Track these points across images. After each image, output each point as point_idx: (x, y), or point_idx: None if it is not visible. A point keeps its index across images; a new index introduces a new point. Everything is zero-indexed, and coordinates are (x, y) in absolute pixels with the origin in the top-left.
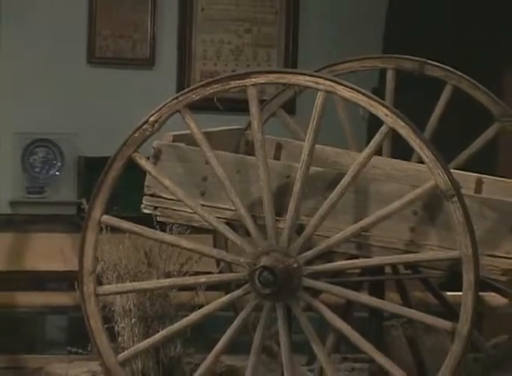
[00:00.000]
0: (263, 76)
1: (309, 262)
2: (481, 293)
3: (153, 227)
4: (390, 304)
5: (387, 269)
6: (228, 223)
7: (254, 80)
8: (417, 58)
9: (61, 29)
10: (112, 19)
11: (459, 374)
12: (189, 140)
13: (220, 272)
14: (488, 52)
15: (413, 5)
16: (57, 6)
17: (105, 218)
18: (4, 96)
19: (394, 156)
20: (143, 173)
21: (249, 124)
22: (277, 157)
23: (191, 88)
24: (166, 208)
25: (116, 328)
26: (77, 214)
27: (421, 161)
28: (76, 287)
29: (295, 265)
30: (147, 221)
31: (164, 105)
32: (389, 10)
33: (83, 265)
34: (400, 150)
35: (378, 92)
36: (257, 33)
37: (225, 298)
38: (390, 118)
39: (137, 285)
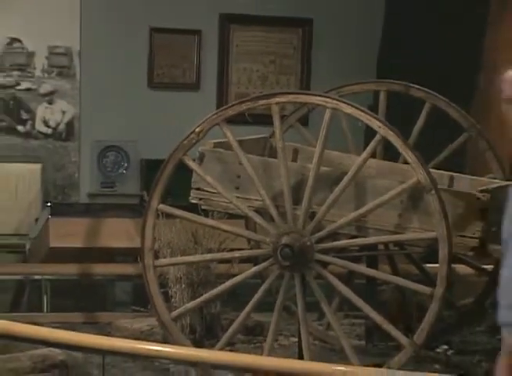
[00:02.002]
0: (284, 96)
1: (320, 241)
2: (453, 265)
3: (198, 214)
4: (382, 273)
5: (380, 246)
6: (257, 211)
7: (277, 99)
8: (403, 82)
9: (129, 60)
10: (167, 52)
11: (435, 328)
12: (226, 146)
13: (250, 248)
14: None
15: (400, 38)
16: (126, 43)
17: (161, 206)
18: (85, 113)
19: (385, 158)
20: (190, 172)
21: (272, 134)
22: (294, 160)
23: (228, 105)
24: (208, 199)
25: (169, 292)
26: (139, 203)
27: (406, 162)
28: (139, 260)
29: (308, 243)
30: (194, 209)
31: (207, 119)
32: (381, 44)
33: (144, 243)
34: (390, 153)
35: (373, 109)
36: (280, 64)
37: (254, 269)
38: (382, 129)
39: (186, 258)
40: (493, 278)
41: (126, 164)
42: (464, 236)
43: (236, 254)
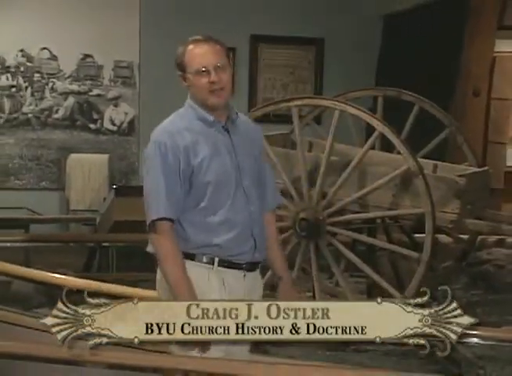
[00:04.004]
0: (301, 100)
1: (330, 216)
2: (436, 235)
3: None
4: (380, 241)
5: (379, 220)
6: (280, 191)
7: (296, 102)
8: (396, 89)
9: None
10: None
11: (422, 286)
12: None
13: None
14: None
15: (393, 53)
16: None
17: None
18: (143, 114)
19: (382, 150)
20: None
21: (292, 130)
22: (310, 151)
23: (256, 107)
24: None
25: None
26: None
27: (399, 153)
28: None
29: (321, 218)
30: None
31: None
32: (379, 58)
33: None
34: (386, 146)
35: (372, 110)
36: (298, 74)
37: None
38: (380, 126)
39: None
40: (468, 245)
41: None
42: (445, 212)
43: None
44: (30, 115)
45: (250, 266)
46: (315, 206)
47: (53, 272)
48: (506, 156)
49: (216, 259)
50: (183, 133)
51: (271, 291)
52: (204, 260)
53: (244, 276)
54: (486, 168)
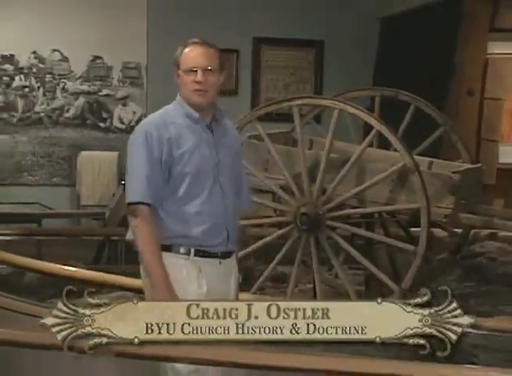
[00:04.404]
0: (302, 100)
1: (330, 210)
2: (431, 229)
3: None
4: (377, 235)
5: (376, 215)
6: (281, 187)
7: (297, 102)
8: (393, 89)
9: None
10: None
11: (418, 277)
12: (258, 138)
13: (276, 216)
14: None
15: (390, 55)
16: None
17: None
18: (151, 113)
19: (379, 147)
20: None
21: (293, 129)
22: (310, 148)
23: (259, 107)
24: None
25: None
26: None
27: (396, 150)
28: None
29: (321, 212)
30: None
31: (243, 117)
32: (376, 59)
33: None
34: (384, 143)
35: (370, 109)
36: (298, 75)
37: (280, 232)
38: (377, 125)
39: None
40: (462, 239)
41: None
42: (440, 207)
43: (266, 220)
44: (42, 114)
45: (225, 254)
46: (316, 201)
47: (64, 265)
48: (498, 153)
49: (192, 250)
50: (169, 126)
51: (273, 282)
52: (181, 251)
53: (220, 263)
54: (479, 164)
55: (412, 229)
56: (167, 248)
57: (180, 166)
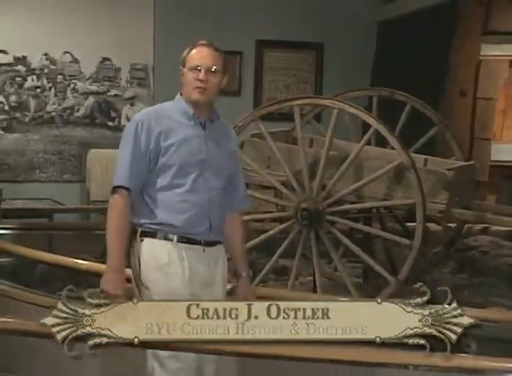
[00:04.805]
0: (302, 100)
1: (329, 206)
2: (426, 223)
3: None
4: (375, 229)
5: (374, 210)
6: (283, 183)
7: (297, 102)
8: (390, 89)
9: None
10: None
11: (413, 270)
12: (260, 136)
13: (278, 211)
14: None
15: (387, 57)
16: None
17: None
18: None
19: (377, 145)
20: None
21: (294, 127)
22: (310, 146)
23: (261, 107)
24: (247, 175)
25: None
26: None
27: (393, 148)
28: None
29: (321, 208)
30: None
31: (246, 116)
32: (374, 61)
33: None
34: (381, 141)
35: (368, 109)
36: (299, 76)
37: (281, 226)
38: (375, 124)
39: None
40: (456, 233)
41: None
42: (435, 203)
43: (268, 215)
44: (53, 113)
45: (208, 243)
46: (316, 197)
47: (74, 258)
48: (490, 151)
49: (175, 236)
50: (162, 119)
51: (275, 275)
52: (165, 237)
53: (204, 250)
54: (472, 162)
55: (408, 223)
56: (152, 234)
57: (166, 157)
